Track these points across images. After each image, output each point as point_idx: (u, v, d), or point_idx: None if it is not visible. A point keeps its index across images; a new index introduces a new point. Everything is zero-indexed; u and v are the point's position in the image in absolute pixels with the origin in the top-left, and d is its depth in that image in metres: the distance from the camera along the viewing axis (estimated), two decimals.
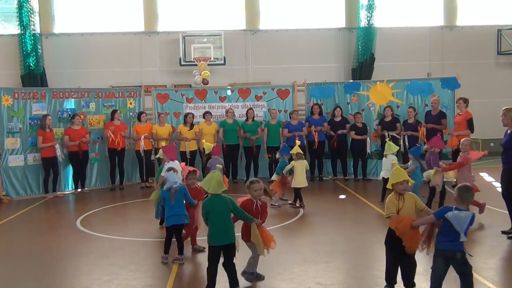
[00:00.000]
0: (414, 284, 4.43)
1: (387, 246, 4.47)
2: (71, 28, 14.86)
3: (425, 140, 9.75)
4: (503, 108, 6.43)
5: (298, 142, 8.53)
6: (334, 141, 10.91)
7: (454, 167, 7.23)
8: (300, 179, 8.22)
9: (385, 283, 4.52)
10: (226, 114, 11.16)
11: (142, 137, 10.59)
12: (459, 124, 9.61)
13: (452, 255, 4.03)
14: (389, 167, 8.06)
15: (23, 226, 7.80)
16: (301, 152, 8.39)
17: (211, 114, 11.17)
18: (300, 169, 8.25)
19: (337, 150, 11.04)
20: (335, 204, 8.74)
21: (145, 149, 10.65)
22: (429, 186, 7.48)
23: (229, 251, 4.54)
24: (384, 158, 8.46)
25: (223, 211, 4.54)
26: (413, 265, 4.43)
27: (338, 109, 11.11)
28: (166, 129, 10.92)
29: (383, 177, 8.39)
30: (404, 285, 4.44)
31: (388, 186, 4.49)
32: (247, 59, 15.11)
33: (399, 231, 4.27)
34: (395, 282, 4.48)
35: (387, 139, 9.17)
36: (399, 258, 4.40)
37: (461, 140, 7.40)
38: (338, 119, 11.09)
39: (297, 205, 8.34)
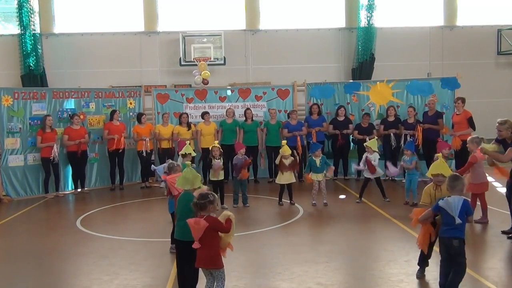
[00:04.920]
0: None
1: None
2: (71, 28, 14.83)
3: (420, 140, 10.07)
4: (498, 122, 6.18)
5: (284, 142, 8.60)
6: (339, 138, 10.87)
7: (465, 169, 6.83)
8: (288, 176, 8.45)
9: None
10: (226, 114, 11.16)
11: (148, 138, 10.60)
12: (459, 124, 9.61)
13: (449, 242, 4.18)
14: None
15: (23, 226, 7.79)
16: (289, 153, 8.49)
17: (209, 114, 11.17)
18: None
19: (340, 150, 11.05)
20: (335, 204, 8.74)
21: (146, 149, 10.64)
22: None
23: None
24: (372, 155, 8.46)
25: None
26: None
27: (342, 108, 11.11)
28: (169, 129, 10.91)
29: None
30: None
31: (428, 174, 4.81)
32: (247, 59, 15.08)
33: (412, 224, 4.56)
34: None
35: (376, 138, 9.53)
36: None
37: (468, 140, 7.11)
38: (341, 118, 11.08)
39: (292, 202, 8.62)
